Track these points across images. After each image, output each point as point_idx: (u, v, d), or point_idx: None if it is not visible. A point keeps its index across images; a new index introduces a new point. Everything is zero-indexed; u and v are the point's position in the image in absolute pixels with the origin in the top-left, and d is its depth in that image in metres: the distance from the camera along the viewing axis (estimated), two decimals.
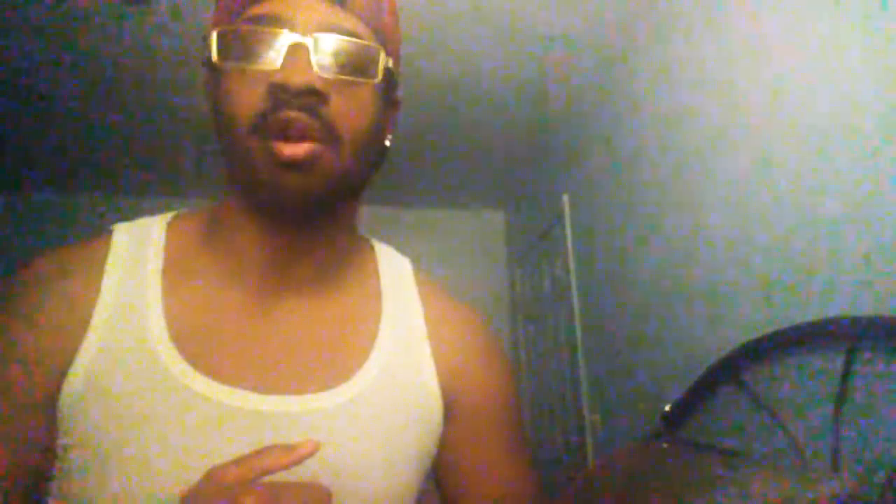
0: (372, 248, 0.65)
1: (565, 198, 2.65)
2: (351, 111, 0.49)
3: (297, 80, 0.46)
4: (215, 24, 0.52)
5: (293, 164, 0.46)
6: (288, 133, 0.46)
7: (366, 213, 0.61)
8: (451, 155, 2.93)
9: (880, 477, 1.00)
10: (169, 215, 0.59)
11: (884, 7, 1.07)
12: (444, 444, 0.59)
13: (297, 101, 0.46)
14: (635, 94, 2.02)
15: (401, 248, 0.68)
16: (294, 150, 0.46)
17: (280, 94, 0.46)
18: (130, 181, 3.05)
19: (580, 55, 2.12)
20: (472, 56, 2.12)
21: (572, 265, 2.57)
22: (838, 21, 1.18)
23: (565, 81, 2.29)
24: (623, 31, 1.99)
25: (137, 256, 0.53)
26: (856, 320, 1.07)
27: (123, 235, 0.55)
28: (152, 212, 0.61)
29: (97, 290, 0.50)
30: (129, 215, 0.60)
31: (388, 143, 0.57)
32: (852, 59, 1.14)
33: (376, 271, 0.62)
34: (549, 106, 2.47)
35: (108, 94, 2.26)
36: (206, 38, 0.50)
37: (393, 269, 0.64)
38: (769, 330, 1.28)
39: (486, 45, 2.05)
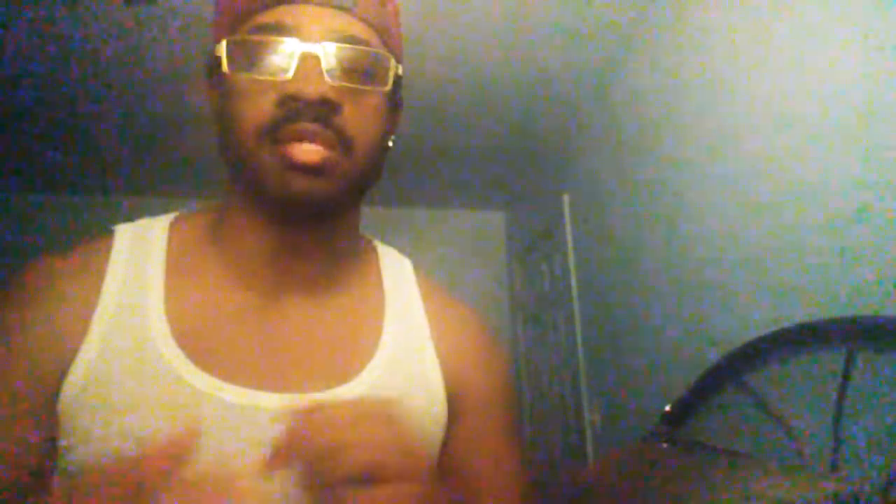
0: (374, 248, 0.65)
1: (565, 198, 2.65)
2: (362, 119, 0.49)
3: (310, 90, 0.46)
4: (220, 32, 0.52)
5: (306, 168, 0.46)
6: (301, 141, 0.46)
7: (366, 213, 0.61)
8: (451, 155, 2.93)
9: (880, 477, 1.00)
10: (171, 216, 0.59)
11: (888, 8, 1.08)
12: (444, 443, 0.59)
13: (309, 111, 0.46)
14: (635, 93, 2.02)
15: (401, 248, 0.68)
16: (309, 155, 0.46)
17: (293, 104, 0.46)
18: (130, 181, 3.05)
19: (580, 55, 2.12)
20: (473, 55, 2.12)
21: (572, 265, 2.57)
22: (844, 20, 1.18)
23: (565, 81, 2.29)
24: (624, 30, 1.99)
25: (139, 257, 0.53)
26: (856, 320, 1.07)
27: (125, 236, 0.55)
28: (152, 212, 0.61)
29: (98, 291, 0.50)
30: (129, 215, 0.60)
31: (390, 143, 0.57)
32: (857, 60, 1.14)
33: (378, 271, 0.63)
34: (550, 106, 2.47)
35: (108, 94, 2.26)
36: (213, 48, 0.50)
37: (394, 269, 0.64)
38: (769, 330, 1.28)
39: (487, 44, 2.05)
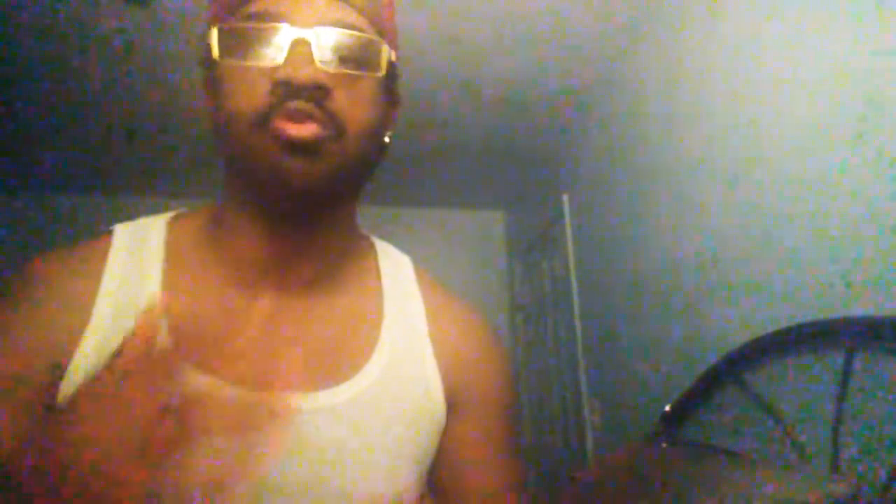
0: (372, 245, 0.65)
1: (565, 198, 2.65)
2: (355, 105, 0.49)
3: (302, 75, 0.46)
4: (213, 21, 0.52)
5: (299, 147, 0.46)
6: (292, 119, 0.46)
7: (366, 213, 0.61)
8: (451, 155, 2.93)
9: (880, 477, 1.00)
10: (169, 214, 0.59)
11: (879, 6, 1.07)
12: (442, 441, 0.59)
13: (301, 96, 0.46)
14: (636, 93, 2.02)
15: (401, 248, 0.68)
16: (300, 130, 0.46)
17: (284, 89, 0.46)
18: (130, 181, 3.05)
19: (581, 55, 2.12)
20: (473, 55, 2.11)
21: (572, 265, 2.57)
22: (841, 19, 1.18)
23: (566, 81, 2.29)
24: (624, 30, 1.99)
25: (138, 256, 0.53)
26: (856, 320, 1.07)
27: (124, 235, 0.54)
28: (152, 212, 0.60)
29: (97, 290, 0.50)
30: (129, 215, 0.59)
31: (387, 139, 0.57)
32: (855, 59, 1.14)
33: (377, 269, 0.62)
34: (549, 106, 2.47)
35: (108, 94, 2.26)
36: (205, 36, 0.50)
37: (394, 266, 0.64)
38: (769, 330, 1.28)
39: (488, 43, 2.05)
